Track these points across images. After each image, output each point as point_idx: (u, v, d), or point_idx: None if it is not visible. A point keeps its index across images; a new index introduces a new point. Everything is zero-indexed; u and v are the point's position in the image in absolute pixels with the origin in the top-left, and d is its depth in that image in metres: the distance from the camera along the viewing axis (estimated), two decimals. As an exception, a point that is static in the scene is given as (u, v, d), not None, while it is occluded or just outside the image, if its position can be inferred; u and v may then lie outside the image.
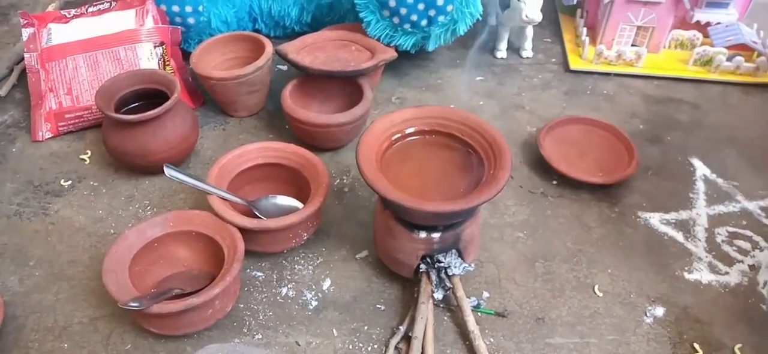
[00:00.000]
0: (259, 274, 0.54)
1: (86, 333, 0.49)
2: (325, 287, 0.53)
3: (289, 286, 0.53)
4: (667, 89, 0.79)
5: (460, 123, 0.50)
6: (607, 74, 0.80)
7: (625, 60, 0.80)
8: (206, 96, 0.73)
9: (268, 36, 0.84)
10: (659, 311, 0.52)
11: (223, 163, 0.56)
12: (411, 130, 0.52)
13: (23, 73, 0.77)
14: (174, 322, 0.46)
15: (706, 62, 0.80)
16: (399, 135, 0.51)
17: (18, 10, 0.93)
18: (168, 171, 0.50)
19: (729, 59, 0.79)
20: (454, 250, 0.50)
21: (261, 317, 0.51)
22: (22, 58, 0.78)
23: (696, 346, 0.49)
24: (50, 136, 0.68)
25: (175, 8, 0.73)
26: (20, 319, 0.50)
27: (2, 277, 0.53)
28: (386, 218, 0.49)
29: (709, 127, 0.73)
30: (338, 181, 0.64)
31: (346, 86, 0.68)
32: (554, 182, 0.64)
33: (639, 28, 0.81)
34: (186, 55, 0.75)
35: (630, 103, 0.76)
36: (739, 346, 0.49)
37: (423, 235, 0.48)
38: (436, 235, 0.48)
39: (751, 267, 0.56)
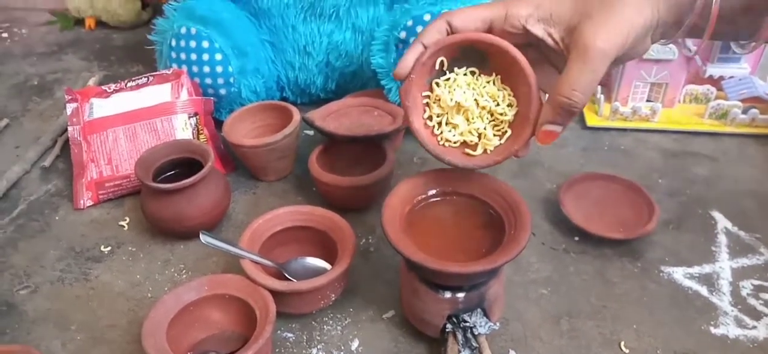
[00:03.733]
0: (289, 335, 0.56)
1: (125, 396, 0.51)
2: (353, 348, 0.55)
3: (318, 347, 0.55)
4: (684, 143, 0.80)
5: (479, 183, 0.52)
6: (624, 130, 0.82)
7: (641, 116, 0.82)
8: (237, 162, 0.77)
9: (294, 103, 0.88)
10: (687, 367, 0.52)
11: (255, 227, 0.59)
12: (433, 191, 0.54)
13: (66, 145, 0.82)
14: (210, 385, 0.48)
15: (722, 115, 0.81)
16: (422, 196, 0.54)
17: (62, 85, 0.99)
18: (204, 238, 0.53)
19: (744, 112, 0.80)
20: (479, 309, 0.51)
21: (292, 378, 0.52)
22: (65, 131, 0.84)
23: (727, 403, 0.49)
24: (91, 203, 0.72)
25: (208, 81, 0.78)
26: (63, 383, 0.52)
27: (46, 341, 0.56)
28: (411, 279, 0.51)
29: (728, 179, 0.74)
30: (364, 241, 0.66)
31: (369, 150, 0.71)
32: (576, 238, 0.65)
33: (653, 84, 0.83)
34: (218, 123, 0.79)
35: (648, 158, 0.78)
36: (771, 402, 0.49)
37: (448, 295, 0.49)
38: (461, 295, 0.49)
39: (779, 320, 0.56)
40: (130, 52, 1.10)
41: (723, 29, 0.45)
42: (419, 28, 0.70)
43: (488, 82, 0.49)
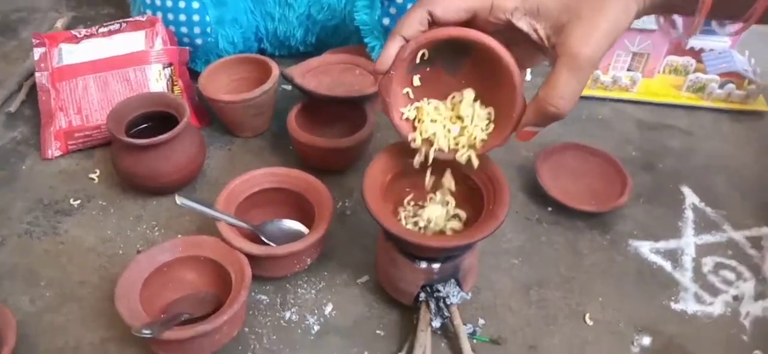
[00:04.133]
0: (263, 297, 0.56)
1: (97, 354, 0.51)
2: (327, 312, 0.55)
3: (292, 310, 0.55)
4: (660, 115, 0.81)
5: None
6: (603, 99, 0.83)
7: (621, 86, 0.82)
8: (213, 116, 0.75)
9: (272, 55, 0.86)
10: (646, 340, 0.54)
11: (231, 188, 0.58)
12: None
13: (32, 89, 0.79)
14: (183, 347, 0.48)
15: (699, 89, 0.82)
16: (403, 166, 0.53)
17: (27, 26, 0.94)
18: (179, 200, 0.52)
19: (721, 87, 0.81)
20: (452, 280, 0.52)
21: (265, 341, 0.53)
22: (31, 74, 0.80)
23: (681, 375, 0.52)
24: (59, 154, 0.70)
25: (184, 30, 0.75)
26: (32, 338, 0.52)
27: (14, 297, 0.55)
28: (389, 248, 0.51)
29: (701, 154, 0.75)
30: (341, 204, 0.66)
31: (350, 110, 0.70)
32: (549, 209, 0.66)
33: (635, 54, 0.83)
34: (193, 74, 0.77)
35: (624, 130, 0.78)
36: (721, 375, 0.52)
37: (424, 265, 0.50)
38: (436, 266, 0.50)
39: (735, 298, 0.58)
40: (100, -9, 1.05)
41: (716, 8, 0.45)
42: (404, -13, 0.68)
43: (460, 102, 0.48)
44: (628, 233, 0.64)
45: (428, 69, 0.47)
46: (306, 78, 0.71)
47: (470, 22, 0.44)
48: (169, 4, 0.73)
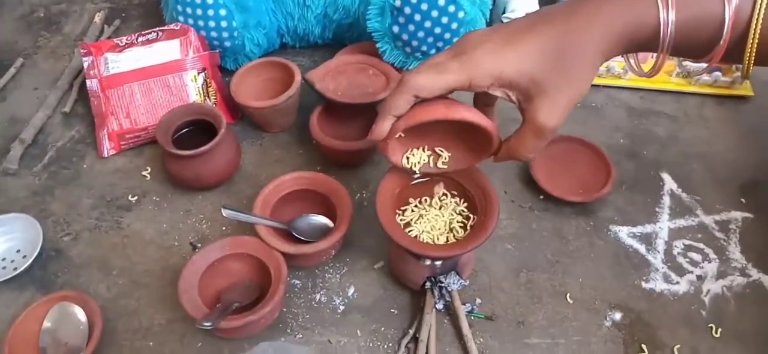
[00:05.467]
0: (297, 282, 0.67)
1: (165, 333, 0.63)
2: (350, 293, 0.67)
3: (321, 292, 0.67)
4: (650, 102, 0.88)
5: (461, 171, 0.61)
6: (597, 86, 0.90)
7: (614, 73, 0.89)
8: (243, 111, 0.85)
9: (293, 47, 0.94)
10: (617, 316, 0.65)
11: (266, 193, 0.68)
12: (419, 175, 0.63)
13: (82, 87, 0.88)
14: (234, 331, 0.60)
15: (688, 75, 0.88)
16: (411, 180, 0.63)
17: (68, 19, 1.03)
18: (225, 212, 0.62)
19: (708, 73, 0.87)
20: (453, 271, 0.63)
21: (300, 320, 0.64)
22: (80, 72, 0.90)
23: (643, 346, 0.62)
24: (114, 152, 0.80)
25: (214, 34, 0.83)
26: (112, 322, 0.64)
27: (93, 285, 0.67)
28: (398, 247, 0.62)
29: (683, 140, 0.83)
30: (359, 195, 0.76)
31: (364, 111, 0.78)
32: (541, 197, 0.75)
33: (629, 40, 0.89)
34: (224, 70, 0.86)
35: (615, 117, 0.86)
36: (678, 346, 0.62)
37: (428, 262, 0.61)
38: (438, 263, 0.61)
39: (699, 277, 0.68)
40: (130, -19, 1.12)
41: (680, 48, 0.51)
42: (412, -2, 0.75)
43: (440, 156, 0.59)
44: (609, 219, 0.73)
45: None
46: (325, 80, 0.79)
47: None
48: (199, 12, 0.81)
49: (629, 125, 0.85)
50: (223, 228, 0.72)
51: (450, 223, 0.61)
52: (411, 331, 0.62)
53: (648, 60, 0.52)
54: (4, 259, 0.69)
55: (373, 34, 0.81)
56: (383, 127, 0.52)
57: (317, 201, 0.71)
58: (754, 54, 0.49)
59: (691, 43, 0.50)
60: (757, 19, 0.47)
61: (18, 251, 0.69)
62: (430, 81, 0.48)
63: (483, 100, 0.56)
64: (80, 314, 0.61)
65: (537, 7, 0.92)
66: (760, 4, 0.47)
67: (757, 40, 0.48)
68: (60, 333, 0.61)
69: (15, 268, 0.66)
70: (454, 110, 0.50)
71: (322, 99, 0.79)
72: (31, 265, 0.67)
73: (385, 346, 0.62)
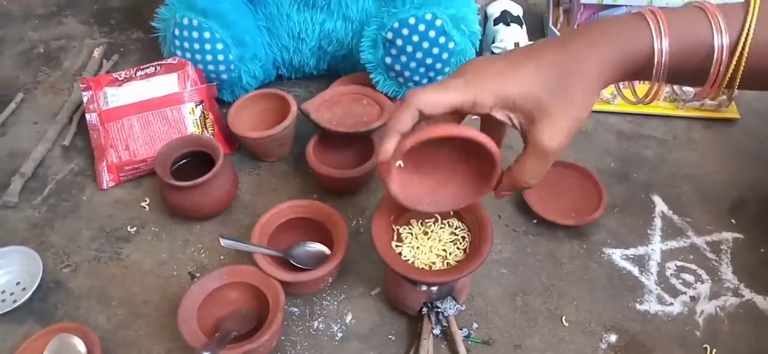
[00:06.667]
0: (295, 309, 0.68)
1: (165, 363, 0.64)
2: (347, 320, 0.67)
3: (319, 319, 0.67)
4: (638, 125, 0.90)
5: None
6: (587, 111, 0.92)
7: (602, 99, 0.91)
8: (240, 142, 0.86)
9: (289, 78, 0.96)
10: (613, 338, 0.65)
11: (263, 221, 0.69)
12: None
13: (81, 121, 0.90)
14: (234, 359, 0.60)
15: (675, 99, 0.91)
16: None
17: (67, 54, 1.05)
18: (223, 242, 0.63)
19: (699, 99, 0.89)
20: (449, 296, 0.63)
21: (299, 347, 0.65)
22: (79, 106, 0.91)
23: (639, 367, 0.63)
24: (113, 184, 0.82)
25: (211, 67, 0.85)
26: (111, 352, 0.64)
27: (93, 316, 0.68)
28: (395, 274, 0.63)
29: (672, 163, 0.84)
30: (355, 222, 0.77)
31: (359, 140, 0.80)
32: (535, 221, 0.77)
33: (617, 66, 0.91)
34: (221, 102, 0.88)
35: (605, 141, 0.88)
36: (672, 367, 0.63)
37: (424, 288, 0.61)
38: (434, 288, 0.62)
39: (692, 298, 0.69)
40: (128, 16, 1.14)
41: (676, 74, 0.52)
42: (405, 31, 0.77)
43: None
44: (602, 242, 0.74)
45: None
46: (320, 111, 0.81)
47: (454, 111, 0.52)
48: (196, 46, 0.83)
49: (619, 149, 0.86)
50: (222, 257, 0.73)
51: (445, 248, 0.62)
52: (408, 357, 0.63)
53: (637, 85, 0.54)
54: (3, 292, 0.69)
55: (366, 65, 0.83)
56: (388, 145, 0.51)
57: (314, 229, 0.72)
58: (738, 78, 0.51)
59: (686, 70, 0.52)
60: (743, 45, 0.49)
61: (17, 283, 0.70)
62: (434, 97, 0.49)
63: (487, 133, 0.57)
64: (80, 345, 0.62)
65: (526, 38, 0.95)
66: (746, 33, 0.49)
67: (743, 66, 0.50)
68: (59, 365, 0.61)
69: (15, 301, 0.67)
70: (459, 128, 0.50)
71: (317, 129, 0.80)
72: (30, 297, 0.67)
73: (383, 373, 0.63)
